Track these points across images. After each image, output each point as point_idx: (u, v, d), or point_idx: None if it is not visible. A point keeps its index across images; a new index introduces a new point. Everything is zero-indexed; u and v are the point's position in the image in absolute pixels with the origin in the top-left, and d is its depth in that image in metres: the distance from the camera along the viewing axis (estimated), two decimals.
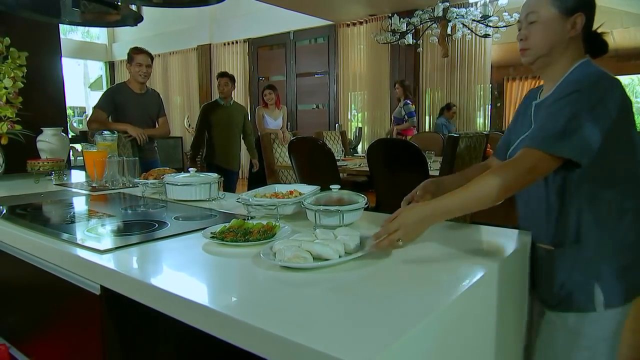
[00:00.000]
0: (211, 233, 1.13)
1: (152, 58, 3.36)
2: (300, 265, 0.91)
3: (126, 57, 3.32)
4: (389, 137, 5.66)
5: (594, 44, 1.16)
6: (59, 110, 3.04)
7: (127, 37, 10.65)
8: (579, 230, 1.11)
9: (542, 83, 1.24)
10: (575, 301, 1.13)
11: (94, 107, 3.33)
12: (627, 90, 1.08)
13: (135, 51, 3.29)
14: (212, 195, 1.71)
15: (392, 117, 5.97)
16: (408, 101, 5.65)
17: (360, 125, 7.77)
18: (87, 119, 3.48)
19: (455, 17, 4.94)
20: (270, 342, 0.66)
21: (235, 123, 4.39)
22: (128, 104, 3.26)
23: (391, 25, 5.49)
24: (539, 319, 1.22)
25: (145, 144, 3.26)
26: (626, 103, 1.06)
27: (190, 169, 1.80)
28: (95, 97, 11.85)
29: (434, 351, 0.75)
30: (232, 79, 4.41)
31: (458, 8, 5.07)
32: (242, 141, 4.56)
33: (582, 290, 1.12)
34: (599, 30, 1.17)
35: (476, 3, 4.90)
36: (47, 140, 2.55)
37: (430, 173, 3.10)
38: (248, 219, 1.26)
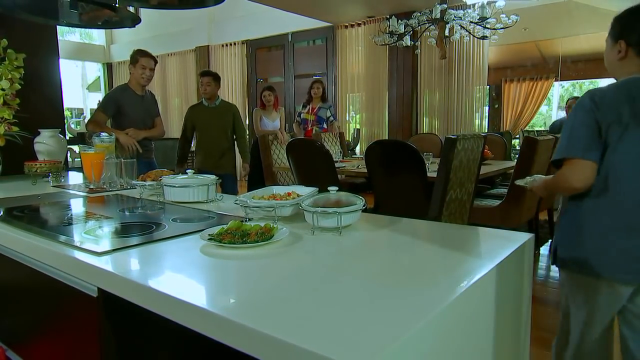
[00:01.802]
0: (209, 235, 1.13)
1: (155, 62, 3.35)
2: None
3: (129, 58, 3.31)
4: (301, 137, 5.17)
5: None
6: (56, 111, 3.03)
7: (125, 39, 10.65)
8: (566, 206, 1.50)
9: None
10: (552, 256, 1.57)
11: (96, 109, 3.33)
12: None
13: (140, 53, 3.28)
14: (210, 196, 1.71)
15: (313, 118, 5.53)
16: (329, 103, 5.62)
17: (358, 126, 7.78)
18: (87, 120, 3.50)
19: (453, 19, 4.94)
20: (267, 344, 0.66)
21: (223, 124, 4.07)
22: (131, 106, 3.26)
23: (389, 27, 5.49)
24: None
25: (143, 145, 3.27)
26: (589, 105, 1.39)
27: (188, 171, 1.80)
28: (93, 98, 11.75)
29: (432, 353, 0.75)
30: (215, 77, 4.06)
31: (456, 10, 5.07)
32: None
33: (552, 248, 1.55)
34: None
35: (474, 5, 4.90)
36: (45, 141, 2.55)
37: (429, 174, 3.11)
38: (246, 221, 1.25)
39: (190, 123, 4.09)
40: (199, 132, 4.09)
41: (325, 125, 5.55)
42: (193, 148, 4.37)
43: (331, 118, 5.59)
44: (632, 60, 1.40)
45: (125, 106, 3.23)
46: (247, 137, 4.26)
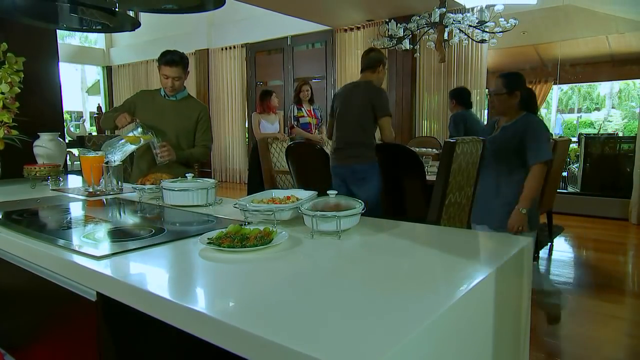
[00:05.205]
0: (208, 239, 1.13)
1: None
2: None
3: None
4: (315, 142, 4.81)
5: (465, 105, 4.53)
6: (56, 115, 3.03)
7: (124, 42, 10.66)
8: None
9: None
10: None
11: None
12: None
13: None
14: (209, 200, 1.71)
15: (315, 121, 5.33)
16: (317, 103, 5.50)
17: None
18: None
19: (452, 23, 4.95)
20: (267, 348, 0.66)
21: (178, 128, 2.71)
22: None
23: (388, 31, 5.50)
24: None
25: None
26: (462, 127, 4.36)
27: (187, 175, 1.80)
28: (93, 101, 11.80)
29: (431, 357, 0.75)
30: (184, 64, 2.74)
31: (455, 14, 5.09)
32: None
33: None
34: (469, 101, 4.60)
35: (473, 9, 4.91)
36: (44, 145, 2.54)
37: (428, 178, 3.11)
38: (245, 225, 1.25)
39: (131, 107, 2.74)
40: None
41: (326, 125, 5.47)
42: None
43: (323, 118, 5.52)
44: (457, 107, 4.47)
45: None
46: (211, 148, 2.83)
